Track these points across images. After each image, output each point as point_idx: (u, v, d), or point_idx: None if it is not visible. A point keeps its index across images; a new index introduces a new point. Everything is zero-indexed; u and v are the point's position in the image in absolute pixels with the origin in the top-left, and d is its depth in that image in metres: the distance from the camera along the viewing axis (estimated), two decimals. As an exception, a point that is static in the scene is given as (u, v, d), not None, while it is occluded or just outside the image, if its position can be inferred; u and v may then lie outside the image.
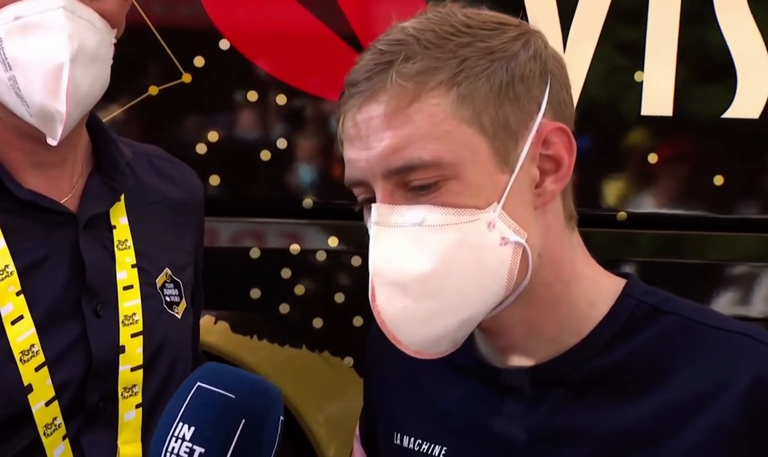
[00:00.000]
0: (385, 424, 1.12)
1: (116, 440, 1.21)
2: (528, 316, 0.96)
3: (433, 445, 1.03)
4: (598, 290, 0.98)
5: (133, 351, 1.21)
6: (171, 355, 1.26)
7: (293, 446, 2.21)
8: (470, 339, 1.03)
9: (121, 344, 1.20)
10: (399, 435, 1.08)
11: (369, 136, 0.90)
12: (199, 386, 0.88)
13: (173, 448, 0.85)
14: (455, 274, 0.89)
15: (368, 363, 1.20)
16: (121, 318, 1.21)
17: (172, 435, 0.85)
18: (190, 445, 0.84)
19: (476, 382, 1.02)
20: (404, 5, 2.11)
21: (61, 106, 1.11)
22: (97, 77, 1.19)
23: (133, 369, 1.21)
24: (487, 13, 0.95)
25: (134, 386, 1.21)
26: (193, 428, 0.85)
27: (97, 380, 1.18)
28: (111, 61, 1.22)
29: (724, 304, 2.13)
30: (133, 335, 1.21)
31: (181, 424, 0.85)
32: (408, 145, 0.88)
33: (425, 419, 1.06)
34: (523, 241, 0.91)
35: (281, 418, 0.90)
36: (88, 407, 1.18)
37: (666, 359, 0.93)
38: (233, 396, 0.87)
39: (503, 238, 0.90)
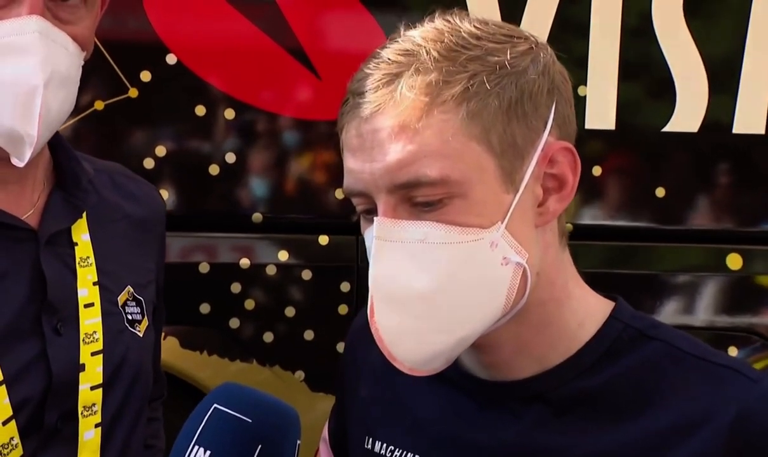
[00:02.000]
0: (357, 426, 1.11)
1: None
2: (518, 334, 0.95)
3: (405, 452, 1.02)
4: (587, 310, 0.97)
5: (93, 370, 1.19)
6: (131, 373, 1.25)
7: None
8: None
9: (81, 362, 1.18)
10: (371, 440, 1.07)
11: (374, 148, 0.88)
12: (215, 408, 0.87)
13: None
14: (455, 293, 0.88)
15: (344, 364, 1.19)
16: (81, 336, 1.19)
17: None
18: None
19: (456, 392, 1.01)
20: (352, 20, 2.12)
21: (32, 130, 1.10)
22: (66, 99, 1.18)
23: (92, 388, 1.19)
24: (495, 24, 0.93)
25: (94, 404, 1.19)
26: (209, 452, 0.84)
27: (55, 399, 1.16)
28: (78, 83, 1.21)
29: (667, 313, 2.18)
30: (94, 354, 1.19)
31: (197, 447, 0.85)
32: (415, 161, 0.86)
33: (400, 426, 1.05)
34: (524, 261, 0.90)
35: (298, 442, 0.89)
36: (46, 426, 1.16)
37: (649, 386, 0.93)
38: (250, 420, 0.86)
39: (505, 258, 0.89)
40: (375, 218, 0.89)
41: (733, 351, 2.16)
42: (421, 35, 0.90)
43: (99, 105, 2.05)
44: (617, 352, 0.95)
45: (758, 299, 2.22)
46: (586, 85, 2.13)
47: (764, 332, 2.18)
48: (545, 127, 0.91)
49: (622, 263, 2.23)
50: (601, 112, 2.14)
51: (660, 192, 2.17)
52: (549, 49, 0.95)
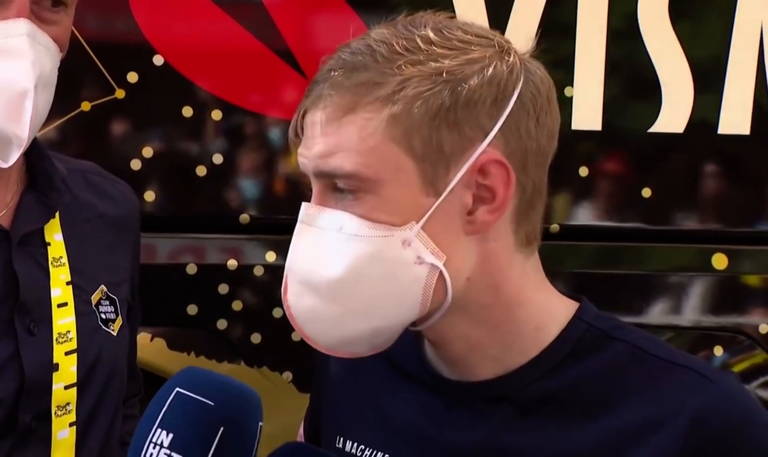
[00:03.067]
0: (330, 426, 1.12)
1: None
2: (467, 332, 0.96)
3: (375, 451, 1.03)
4: (549, 313, 0.98)
5: (66, 369, 1.19)
6: (106, 372, 1.25)
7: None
8: (421, 347, 1.04)
9: (54, 361, 1.19)
10: (342, 439, 1.08)
11: (310, 137, 0.93)
12: (177, 391, 0.87)
13: (151, 454, 0.84)
14: (364, 284, 0.91)
15: (318, 365, 1.20)
16: (54, 336, 1.20)
17: (150, 441, 0.85)
18: (168, 452, 0.84)
19: (425, 391, 1.02)
20: (339, 21, 2.12)
21: (23, 133, 1.11)
22: (49, 100, 1.20)
23: (66, 387, 1.20)
24: (461, 30, 0.93)
25: (68, 404, 1.20)
26: (171, 435, 0.84)
27: (29, 399, 1.16)
28: (55, 83, 1.22)
29: (653, 313, 2.19)
30: (67, 353, 1.20)
31: (159, 430, 0.85)
32: (334, 153, 0.90)
33: (370, 425, 1.06)
34: (439, 264, 0.91)
35: (260, 424, 0.90)
36: (20, 426, 1.16)
37: (613, 387, 0.94)
38: (212, 403, 0.86)
39: (419, 257, 0.90)
40: (303, 204, 0.94)
41: (719, 351, 2.16)
42: (375, 35, 0.93)
43: (86, 106, 2.04)
44: (581, 352, 0.96)
45: (744, 298, 2.22)
46: (572, 86, 2.13)
47: (750, 332, 2.18)
48: (484, 136, 0.91)
49: (608, 263, 2.23)
50: (588, 113, 2.14)
51: (646, 192, 2.17)
52: (518, 60, 0.94)
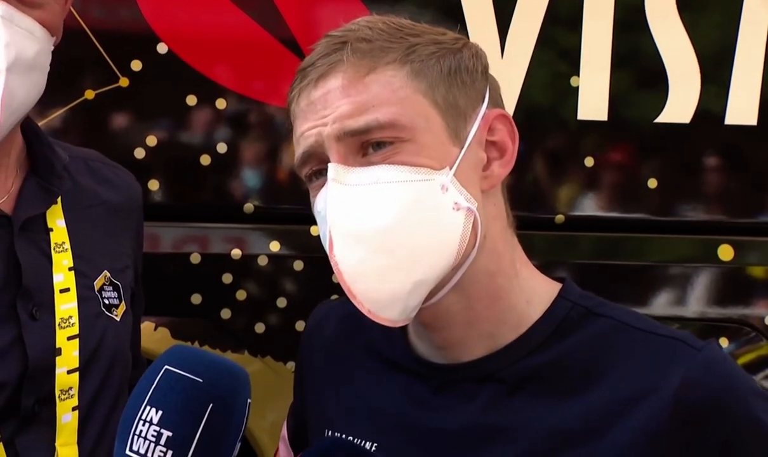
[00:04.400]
0: (317, 421, 1.13)
1: (53, 442, 1.19)
2: (469, 306, 0.98)
3: (364, 441, 1.04)
4: (534, 290, 1.01)
5: (69, 354, 1.19)
6: (108, 357, 1.25)
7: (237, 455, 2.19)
8: (405, 337, 1.06)
9: (57, 346, 1.19)
10: (330, 432, 1.09)
11: (326, 107, 0.94)
12: (166, 369, 0.87)
13: (141, 431, 0.84)
14: (410, 230, 0.92)
15: (300, 361, 1.21)
16: (57, 321, 1.20)
17: (140, 418, 0.85)
18: (157, 428, 0.84)
19: (411, 378, 1.04)
20: (344, 10, 2.11)
21: None
22: (34, 85, 1.18)
23: (69, 372, 1.20)
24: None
25: (71, 388, 1.20)
26: (160, 412, 0.85)
27: (32, 383, 1.17)
28: (48, 68, 1.21)
29: (659, 304, 2.18)
30: (70, 338, 1.20)
31: (148, 408, 0.85)
32: (365, 110, 0.92)
33: (357, 415, 1.07)
34: (474, 207, 0.94)
35: (249, 400, 0.90)
36: (24, 410, 1.16)
37: (598, 361, 0.96)
38: (201, 380, 0.86)
39: (455, 203, 0.94)
40: (330, 164, 0.93)
41: (724, 342, 2.15)
42: (363, 22, 0.98)
43: (89, 94, 2.04)
44: (566, 330, 0.98)
45: (750, 289, 2.20)
46: (578, 76, 2.12)
47: (756, 323, 2.17)
48: (483, 99, 0.99)
49: (614, 254, 2.22)
50: (594, 103, 2.13)
51: (652, 183, 2.16)
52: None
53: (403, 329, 1.04)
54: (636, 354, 0.95)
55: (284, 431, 1.25)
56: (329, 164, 0.94)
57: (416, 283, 0.93)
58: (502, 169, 0.99)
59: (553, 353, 0.97)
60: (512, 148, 1.00)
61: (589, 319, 0.99)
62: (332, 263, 0.94)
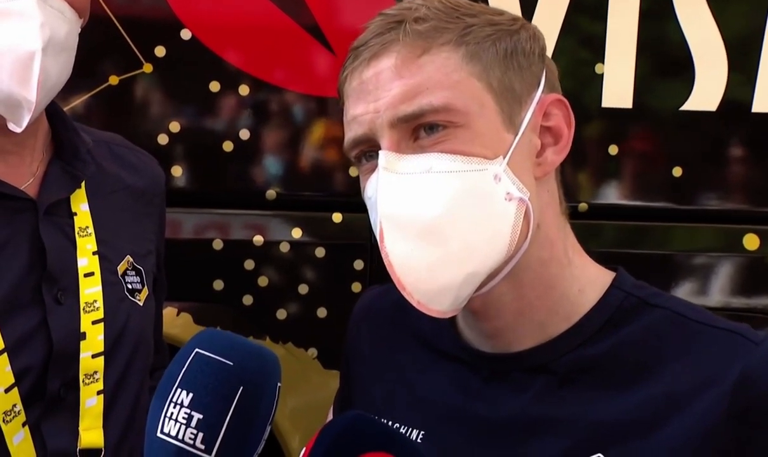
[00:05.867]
0: (363, 408, 1.11)
1: (77, 426, 1.20)
2: (520, 295, 0.96)
3: (410, 429, 1.02)
4: (587, 278, 0.99)
5: (94, 338, 1.20)
6: (132, 342, 1.26)
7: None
8: (455, 326, 1.04)
9: (81, 330, 1.19)
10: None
11: (378, 88, 0.92)
12: (197, 352, 0.87)
13: (171, 413, 0.84)
14: (462, 222, 0.90)
15: (348, 347, 1.20)
16: (81, 305, 1.20)
17: (171, 401, 0.84)
18: (188, 411, 0.83)
19: (460, 367, 1.02)
20: (367, -3, 2.11)
21: (31, 95, 1.11)
22: (65, 66, 1.19)
23: (94, 356, 1.20)
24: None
25: (95, 372, 1.20)
26: (191, 395, 0.84)
27: (57, 367, 1.17)
28: (75, 50, 1.22)
29: (683, 294, 2.16)
30: (94, 322, 1.20)
31: (179, 390, 0.84)
32: (418, 93, 0.90)
33: (404, 404, 1.05)
34: (526, 198, 0.92)
35: (279, 384, 0.90)
36: (49, 394, 1.17)
37: (652, 353, 0.94)
38: (231, 363, 0.86)
39: (508, 193, 0.91)
40: (380, 152, 0.91)
41: (749, 333, 2.14)
42: (418, 1, 0.96)
43: (113, 80, 2.05)
44: (619, 320, 0.96)
45: (775, 280, 2.19)
46: (603, 63, 2.11)
47: (781, 314, 2.16)
48: (539, 83, 0.96)
49: (638, 242, 2.21)
50: (619, 90, 2.12)
51: (677, 171, 2.15)
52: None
53: (452, 318, 1.01)
54: (692, 347, 0.93)
55: (330, 417, 1.24)
56: (380, 152, 0.91)
57: (468, 275, 0.91)
58: (557, 156, 0.97)
59: (605, 344, 0.95)
60: (568, 135, 0.97)
61: (643, 310, 0.96)
62: (382, 254, 0.91)
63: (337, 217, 2.15)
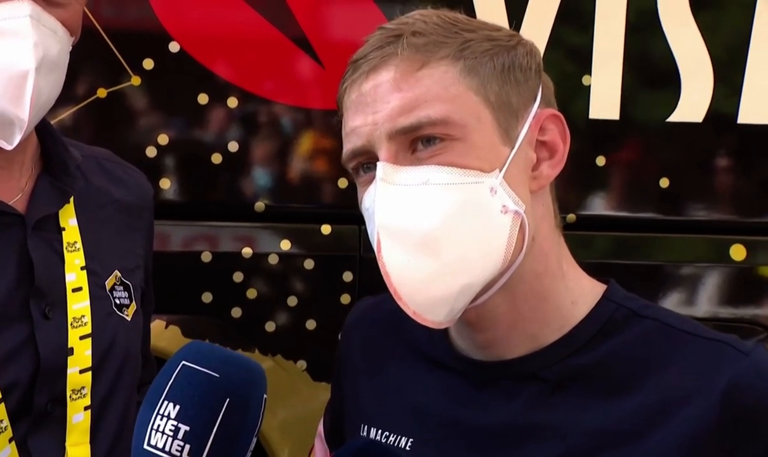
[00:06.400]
0: (354, 416, 1.12)
1: (64, 442, 1.20)
2: (514, 307, 0.98)
3: (399, 437, 1.03)
4: (580, 290, 1.00)
5: (81, 353, 1.20)
6: (120, 357, 1.26)
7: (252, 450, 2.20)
8: (447, 336, 1.05)
9: (69, 346, 1.19)
10: (367, 428, 1.08)
11: (376, 101, 0.93)
12: (184, 364, 0.87)
13: (158, 426, 0.84)
14: (458, 234, 0.91)
15: (341, 357, 1.20)
16: (69, 320, 1.20)
17: (158, 413, 0.85)
18: (175, 423, 0.84)
19: (452, 375, 1.03)
20: (355, 9, 2.11)
21: (23, 114, 1.11)
22: (56, 84, 1.19)
23: (81, 371, 1.20)
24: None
25: (83, 388, 1.20)
26: (178, 407, 0.85)
27: (44, 383, 1.17)
28: (66, 68, 1.22)
29: (671, 304, 2.17)
30: (82, 337, 1.20)
31: (166, 402, 0.85)
32: (416, 106, 0.92)
33: (396, 412, 1.06)
34: (522, 211, 0.93)
35: (265, 396, 0.90)
36: (36, 409, 1.17)
37: (642, 362, 0.95)
38: (218, 375, 0.86)
39: (504, 206, 0.93)
40: (378, 163, 0.93)
41: (736, 343, 2.15)
42: (417, 15, 0.97)
43: (101, 93, 2.05)
44: (610, 331, 0.97)
45: (762, 290, 2.20)
46: (590, 74, 2.12)
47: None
48: (535, 98, 0.97)
49: (626, 253, 2.22)
50: (606, 101, 2.13)
51: (664, 182, 2.16)
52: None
53: (445, 328, 1.02)
54: (681, 357, 0.94)
55: (320, 428, 1.24)
56: (378, 163, 0.93)
57: (463, 286, 0.92)
58: (552, 170, 0.98)
59: (596, 353, 0.96)
60: (563, 149, 0.99)
61: (633, 320, 0.98)
62: (380, 264, 0.92)
63: (326, 229, 2.15)
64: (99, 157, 1.38)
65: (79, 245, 1.25)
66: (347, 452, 0.88)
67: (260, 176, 2.16)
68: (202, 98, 2.08)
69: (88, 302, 1.22)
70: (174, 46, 2.06)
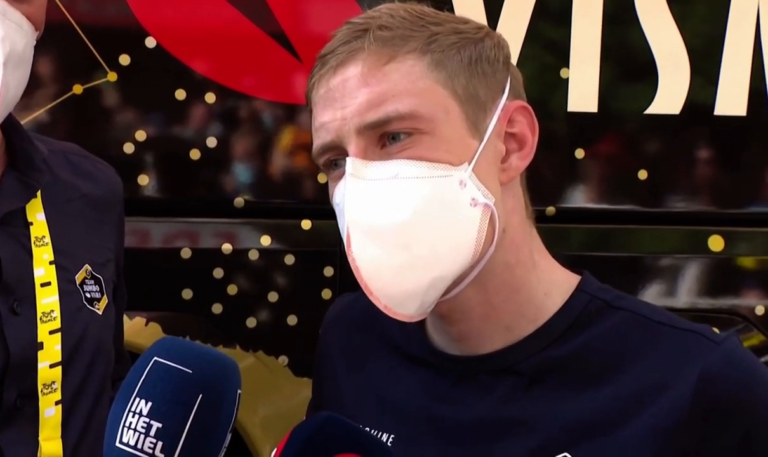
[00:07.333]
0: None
1: (37, 437, 1.19)
2: (487, 299, 0.98)
3: (380, 433, 1.03)
4: (553, 282, 1.00)
5: (51, 348, 1.19)
6: (91, 351, 1.25)
7: (227, 446, 2.19)
8: (423, 330, 1.05)
9: (39, 340, 1.18)
10: None
11: (344, 96, 0.93)
12: (155, 360, 0.86)
13: (130, 423, 0.83)
14: (427, 227, 0.91)
15: (319, 353, 1.20)
16: (38, 315, 1.19)
17: (129, 410, 0.84)
18: (147, 420, 0.83)
19: (428, 370, 1.03)
20: (333, 4, 2.12)
21: None
22: (22, 79, 1.19)
23: (51, 366, 1.19)
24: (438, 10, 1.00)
25: (53, 382, 1.20)
26: (150, 404, 0.84)
27: (14, 378, 1.16)
28: (31, 63, 1.21)
29: (650, 295, 2.18)
30: (52, 332, 1.20)
31: (138, 399, 0.84)
32: (384, 100, 0.92)
33: (375, 408, 1.06)
34: (491, 203, 0.93)
35: (239, 391, 0.89)
36: (5, 405, 1.16)
37: (616, 354, 0.95)
38: (190, 371, 0.85)
39: (473, 199, 0.93)
40: (347, 158, 0.92)
41: (715, 333, 2.16)
42: (385, 9, 0.97)
43: (77, 89, 2.04)
44: (585, 322, 0.98)
45: (740, 280, 2.21)
46: (568, 67, 2.12)
47: (746, 313, 2.18)
48: (503, 90, 0.98)
49: (604, 245, 2.23)
50: (584, 94, 2.14)
51: (642, 174, 2.17)
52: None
53: (421, 322, 1.02)
54: (654, 347, 0.95)
55: None
56: (347, 158, 0.93)
57: (434, 279, 0.92)
58: (521, 161, 0.98)
59: (571, 345, 0.97)
60: (532, 141, 0.99)
61: (607, 312, 0.98)
62: (349, 259, 0.92)
63: (306, 224, 2.15)
64: (66, 152, 1.38)
65: (48, 239, 1.24)
66: (309, 428, 0.87)
67: (239, 172, 2.16)
68: (180, 94, 2.08)
69: (57, 297, 1.22)
70: (150, 42, 2.05)
